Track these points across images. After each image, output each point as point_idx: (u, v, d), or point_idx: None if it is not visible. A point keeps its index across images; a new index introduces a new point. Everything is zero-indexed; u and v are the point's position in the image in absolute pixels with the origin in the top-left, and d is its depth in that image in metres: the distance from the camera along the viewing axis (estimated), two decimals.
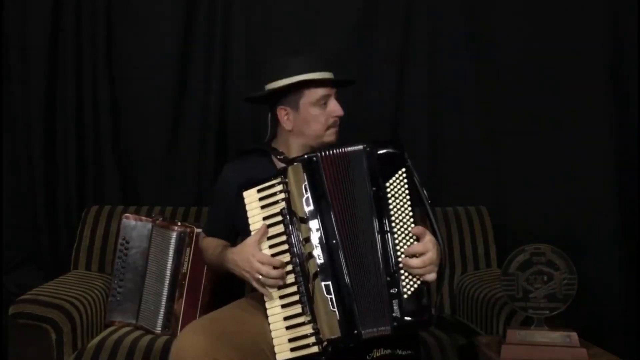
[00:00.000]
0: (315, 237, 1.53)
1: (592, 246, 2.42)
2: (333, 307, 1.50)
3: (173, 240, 2.03)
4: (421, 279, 1.49)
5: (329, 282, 1.51)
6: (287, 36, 2.54)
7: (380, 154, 1.55)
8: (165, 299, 2.03)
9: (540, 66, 2.49)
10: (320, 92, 1.75)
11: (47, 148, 2.58)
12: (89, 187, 2.60)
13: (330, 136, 1.77)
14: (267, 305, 1.59)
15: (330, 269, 1.52)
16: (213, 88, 2.57)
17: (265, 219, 1.60)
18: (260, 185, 1.61)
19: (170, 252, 2.03)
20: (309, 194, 1.55)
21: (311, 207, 1.54)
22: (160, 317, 2.04)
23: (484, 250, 2.38)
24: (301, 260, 1.55)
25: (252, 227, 1.61)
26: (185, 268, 2.02)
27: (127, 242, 2.14)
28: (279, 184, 1.59)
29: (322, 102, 1.75)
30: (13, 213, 2.60)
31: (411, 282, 1.50)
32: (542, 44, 2.49)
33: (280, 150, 1.81)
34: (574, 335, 1.71)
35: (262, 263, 1.56)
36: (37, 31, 2.54)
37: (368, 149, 1.55)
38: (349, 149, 1.57)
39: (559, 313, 1.74)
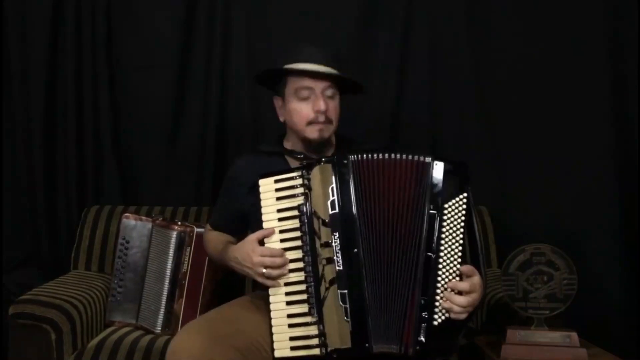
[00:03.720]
0: (336, 242, 1.47)
1: (592, 246, 2.42)
2: (347, 318, 1.46)
3: (173, 240, 2.03)
4: (454, 316, 1.44)
5: (346, 291, 1.46)
6: (287, 36, 2.53)
7: (447, 169, 1.46)
8: (165, 298, 2.03)
9: (540, 66, 2.49)
10: (299, 82, 1.70)
11: (47, 148, 2.57)
12: (89, 187, 2.60)
13: (312, 133, 1.71)
14: (272, 299, 1.55)
15: (347, 278, 1.46)
16: (213, 88, 2.56)
17: (279, 211, 1.55)
18: (279, 175, 1.56)
19: (171, 252, 2.03)
20: (335, 197, 1.49)
21: (336, 211, 1.48)
22: (160, 317, 2.04)
23: (484, 250, 2.38)
24: (314, 260, 1.51)
25: (264, 218, 1.57)
26: (185, 268, 2.02)
27: (127, 242, 2.14)
28: (300, 177, 1.54)
29: (304, 96, 1.70)
30: (13, 213, 2.60)
31: (444, 312, 1.45)
32: (542, 43, 2.48)
33: (296, 150, 1.78)
34: (574, 335, 1.71)
35: (264, 255, 1.54)
36: (37, 31, 2.54)
37: (435, 163, 1.46)
38: (400, 157, 1.48)
39: (559, 313, 1.74)
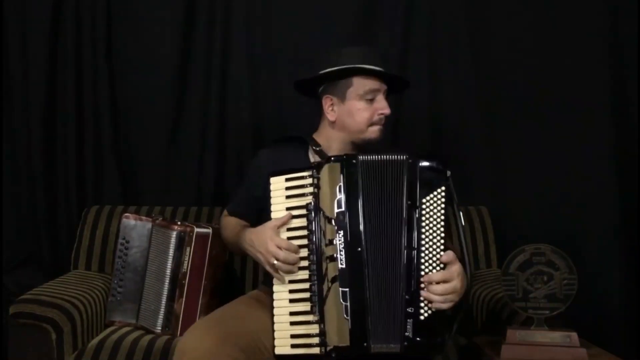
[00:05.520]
0: (340, 240, 1.49)
1: (592, 246, 2.42)
2: (347, 315, 1.46)
3: (173, 240, 2.03)
4: (436, 305, 1.46)
5: (347, 289, 1.47)
6: (287, 35, 2.54)
7: (422, 167, 1.50)
8: (165, 298, 2.03)
9: (540, 65, 2.49)
10: (369, 84, 1.75)
11: (47, 148, 2.57)
12: (89, 187, 2.60)
13: (373, 133, 1.78)
14: (275, 296, 1.56)
15: (350, 276, 1.48)
16: (213, 88, 2.56)
17: (288, 209, 1.58)
18: (290, 174, 1.59)
19: (171, 252, 2.03)
20: (342, 196, 1.50)
21: (342, 209, 1.50)
22: (160, 317, 2.03)
23: (484, 250, 2.38)
24: (319, 259, 1.52)
25: (273, 215, 1.60)
26: (185, 268, 2.02)
27: (127, 242, 2.13)
28: (309, 177, 1.56)
29: (370, 97, 1.75)
30: (13, 213, 2.59)
31: (429, 306, 1.47)
32: (543, 43, 2.49)
33: (319, 143, 1.81)
34: (574, 335, 1.72)
35: (280, 248, 1.55)
36: (37, 31, 2.54)
37: (410, 161, 1.51)
38: (391, 157, 1.52)
39: (559, 313, 1.74)
